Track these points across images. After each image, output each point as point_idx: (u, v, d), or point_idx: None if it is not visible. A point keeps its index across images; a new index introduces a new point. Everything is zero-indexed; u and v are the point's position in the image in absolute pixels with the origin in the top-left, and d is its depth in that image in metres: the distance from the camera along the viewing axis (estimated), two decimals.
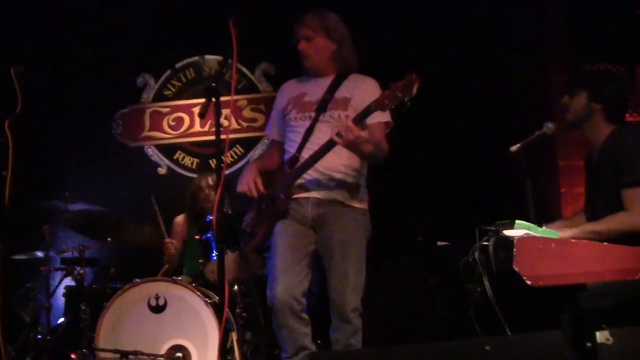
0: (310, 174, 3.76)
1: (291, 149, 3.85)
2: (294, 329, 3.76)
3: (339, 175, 3.76)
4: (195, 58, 6.78)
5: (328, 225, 3.75)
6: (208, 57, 6.73)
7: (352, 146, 3.48)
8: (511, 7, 5.89)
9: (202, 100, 3.11)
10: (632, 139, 3.53)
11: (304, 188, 3.79)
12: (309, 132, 3.76)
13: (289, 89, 4.00)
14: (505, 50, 5.85)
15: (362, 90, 3.75)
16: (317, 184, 3.77)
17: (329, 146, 3.57)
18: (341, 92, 3.77)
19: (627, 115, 5.80)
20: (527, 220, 3.24)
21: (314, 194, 3.78)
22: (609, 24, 5.49)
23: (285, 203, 3.67)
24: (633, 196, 3.35)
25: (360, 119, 3.45)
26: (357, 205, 3.79)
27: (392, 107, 3.32)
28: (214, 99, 3.09)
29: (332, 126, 3.65)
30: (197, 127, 6.66)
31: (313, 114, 3.77)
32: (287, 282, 3.73)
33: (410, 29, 6.03)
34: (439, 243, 3.62)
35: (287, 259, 3.77)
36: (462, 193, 5.61)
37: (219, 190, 3.02)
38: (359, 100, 3.70)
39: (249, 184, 3.80)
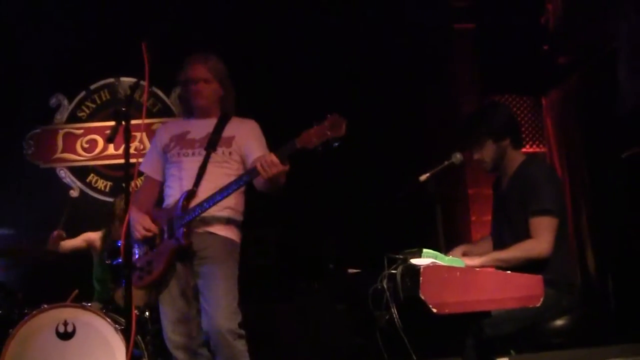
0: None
1: (178, 184, 3.81)
2: None
3: (218, 212, 3.75)
4: (111, 80, 6.73)
5: (197, 254, 3.72)
6: (124, 79, 6.68)
7: (273, 179, 3.50)
8: (422, 40, 6.03)
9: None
10: (541, 169, 3.65)
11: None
12: (203, 168, 3.77)
13: (170, 129, 4.03)
14: (416, 82, 5.97)
15: (244, 129, 3.88)
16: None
17: (249, 176, 3.59)
18: (226, 132, 3.87)
19: (535, 146, 6.02)
20: (437, 248, 3.31)
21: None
22: (517, 57, 5.66)
23: (187, 237, 3.63)
24: (539, 225, 3.46)
25: (283, 155, 3.45)
26: (225, 234, 3.78)
27: (319, 145, 3.34)
28: (123, 123, 3.07)
29: (234, 163, 3.79)
30: (111, 150, 6.58)
31: (202, 151, 3.81)
32: (178, 321, 3.74)
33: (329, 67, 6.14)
34: (350, 270, 3.63)
35: (174, 300, 3.76)
36: (374, 221, 5.67)
37: (127, 215, 3.00)
38: (242, 137, 3.84)
39: (145, 226, 3.75)
